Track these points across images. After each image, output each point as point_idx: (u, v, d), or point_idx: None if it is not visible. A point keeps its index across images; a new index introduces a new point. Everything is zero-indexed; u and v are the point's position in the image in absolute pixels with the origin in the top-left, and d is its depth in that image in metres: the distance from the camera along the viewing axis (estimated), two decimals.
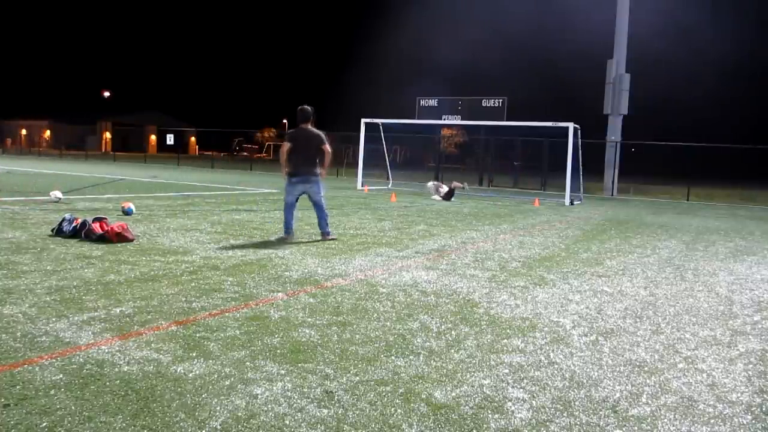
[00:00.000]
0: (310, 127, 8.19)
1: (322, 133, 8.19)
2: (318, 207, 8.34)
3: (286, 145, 8.12)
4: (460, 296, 5.51)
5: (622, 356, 4.05)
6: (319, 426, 2.82)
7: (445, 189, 17.72)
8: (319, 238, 8.41)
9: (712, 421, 3.11)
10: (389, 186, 23.79)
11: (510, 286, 6.05)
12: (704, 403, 3.32)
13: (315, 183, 8.26)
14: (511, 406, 3.15)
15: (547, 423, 2.98)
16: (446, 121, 25.29)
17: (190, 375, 3.34)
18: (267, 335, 4.09)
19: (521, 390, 3.37)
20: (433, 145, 35.62)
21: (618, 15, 26.69)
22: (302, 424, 2.82)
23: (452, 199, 17.34)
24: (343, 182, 25.69)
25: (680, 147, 26.99)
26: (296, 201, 8.30)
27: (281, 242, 8.05)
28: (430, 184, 18.16)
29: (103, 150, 70.75)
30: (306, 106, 8.24)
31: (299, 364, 3.58)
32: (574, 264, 7.50)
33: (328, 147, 8.22)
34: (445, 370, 3.60)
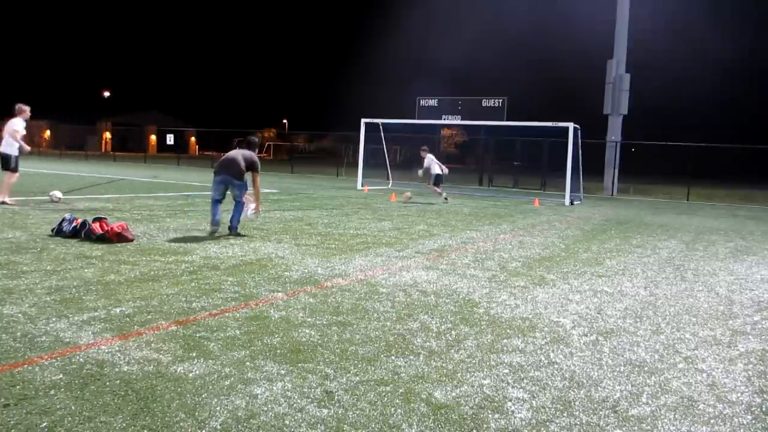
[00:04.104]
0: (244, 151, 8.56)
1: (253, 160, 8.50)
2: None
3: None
4: (460, 296, 5.51)
5: (622, 356, 4.05)
6: (319, 426, 2.82)
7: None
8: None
9: (712, 421, 3.11)
10: (389, 186, 23.79)
11: (510, 286, 6.05)
12: (704, 403, 3.32)
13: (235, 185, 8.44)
14: (511, 406, 3.15)
15: (547, 423, 2.97)
16: (446, 121, 25.29)
17: (190, 375, 3.34)
18: (267, 335, 4.09)
19: (521, 390, 3.37)
20: (433, 145, 35.61)
21: (618, 15, 26.70)
22: (302, 424, 2.82)
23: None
24: (343, 182, 25.69)
25: (680, 147, 26.98)
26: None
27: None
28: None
29: (103, 150, 70.76)
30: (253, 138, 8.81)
31: (299, 364, 3.58)
32: (574, 264, 7.50)
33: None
34: (445, 370, 3.60)
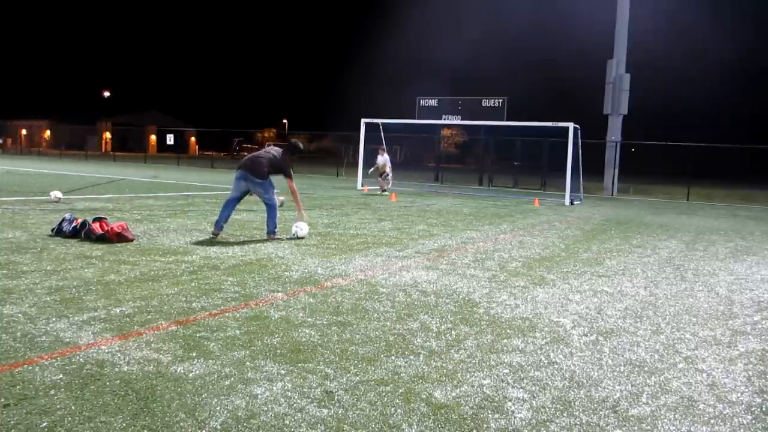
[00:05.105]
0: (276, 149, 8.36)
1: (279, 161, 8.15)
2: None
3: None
4: (460, 296, 5.51)
5: (622, 356, 4.05)
6: (319, 426, 2.82)
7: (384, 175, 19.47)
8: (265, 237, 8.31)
9: (712, 421, 3.11)
10: (389, 186, 23.79)
11: (510, 286, 6.05)
12: (704, 403, 3.32)
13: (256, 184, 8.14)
14: (511, 406, 3.14)
15: (547, 423, 2.97)
16: (446, 121, 25.29)
17: (190, 375, 3.34)
18: (267, 335, 4.09)
19: (521, 390, 3.37)
20: (433, 145, 35.61)
21: (618, 15, 26.70)
22: (302, 424, 2.82)
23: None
24: (343, 182, 25.69)
25: (680, 147, 26.99)
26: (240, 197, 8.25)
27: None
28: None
29: (103, 150, 70.77)
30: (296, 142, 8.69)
31: (299, 364, 3.58)
32: (574, 264, 7.50)
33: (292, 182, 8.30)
34: (445, 370, 3.60)
